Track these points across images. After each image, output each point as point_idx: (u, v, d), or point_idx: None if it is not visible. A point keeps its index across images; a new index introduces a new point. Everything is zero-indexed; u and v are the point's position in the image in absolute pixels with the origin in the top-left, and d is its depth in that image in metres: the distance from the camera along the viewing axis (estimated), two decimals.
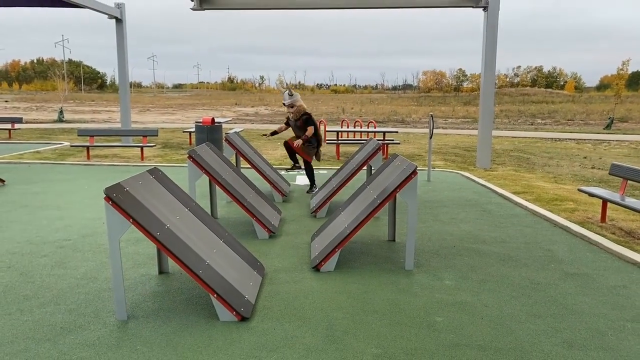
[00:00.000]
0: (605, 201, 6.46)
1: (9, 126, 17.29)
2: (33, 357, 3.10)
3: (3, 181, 8.77)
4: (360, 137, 15.16)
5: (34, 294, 4.06)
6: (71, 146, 13.57)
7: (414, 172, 4.52)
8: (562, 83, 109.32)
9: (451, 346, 3.27)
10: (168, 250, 3.51)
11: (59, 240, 5.54)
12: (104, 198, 3.42)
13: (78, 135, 12.77)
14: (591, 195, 6.67)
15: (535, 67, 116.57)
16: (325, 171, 10.54)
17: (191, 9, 11.40)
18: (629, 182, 7.36)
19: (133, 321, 3.59)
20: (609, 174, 6.76)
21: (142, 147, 12.34)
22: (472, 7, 11.10)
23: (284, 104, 7.98)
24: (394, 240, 5.66)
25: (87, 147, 12.24)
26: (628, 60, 25.29)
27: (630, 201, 6.11)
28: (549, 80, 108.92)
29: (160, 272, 4.56)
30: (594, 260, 5.05)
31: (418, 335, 3.42)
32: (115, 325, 3.53)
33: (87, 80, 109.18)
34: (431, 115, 9.97)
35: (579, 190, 6.97)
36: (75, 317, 3.66)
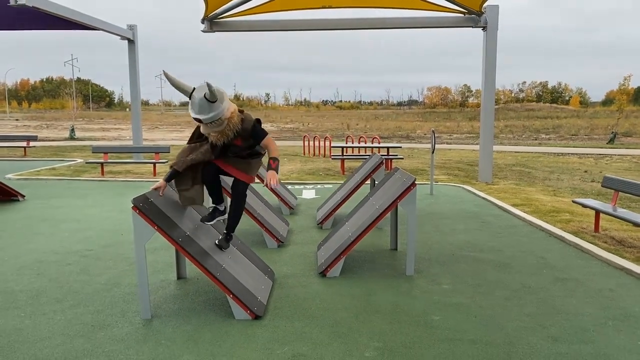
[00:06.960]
0: (598, 212, 6.77)
1: (24, 144, 17.85)
2: (69, 350, 3.46)
3: (23, 196, 9.20)
4: (365, 153, 15.55)
5: (64, 297, 4.43)
6: (86, 163, 14.03)
7: (413, 184, 4.88)
8: (567, 98, 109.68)
9: (445, 340, 3.60)
10: (189, 254, 3.88)
11: (82, 250, 5.92)
12: (132, 207, 3.80)
13: (92, 152, 13.25)
14: (585, 206, 6.99)
15: (540, 83, 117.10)
16: (330, 185, 10.90)
17: (202, 31, 11.92)
18: (628, 194, 7.65)
19: (156, 320, 3.95)
20: (602, 186, 7.08)
21: (154, 164, 12.78)
22: (472, 27, 11.54)
23: (199, 120, 3.98)
24: (396, 249, 6.00)
25: (102, 164, 12.70)
26: (629, 76, 25.69)
27: (621, 212, 6.42)
28: (554, 96, 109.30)
29: (179, 277, 4.92)
30: (584, 266, 5.36)
31: (416, 332, 3.75)
32: (140, 324, 3.88)
33: (95, 98, 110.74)
34: (433, 131, 10.35)
35: (573, 202, 7.30)
36: (103, 316, 4.02)
